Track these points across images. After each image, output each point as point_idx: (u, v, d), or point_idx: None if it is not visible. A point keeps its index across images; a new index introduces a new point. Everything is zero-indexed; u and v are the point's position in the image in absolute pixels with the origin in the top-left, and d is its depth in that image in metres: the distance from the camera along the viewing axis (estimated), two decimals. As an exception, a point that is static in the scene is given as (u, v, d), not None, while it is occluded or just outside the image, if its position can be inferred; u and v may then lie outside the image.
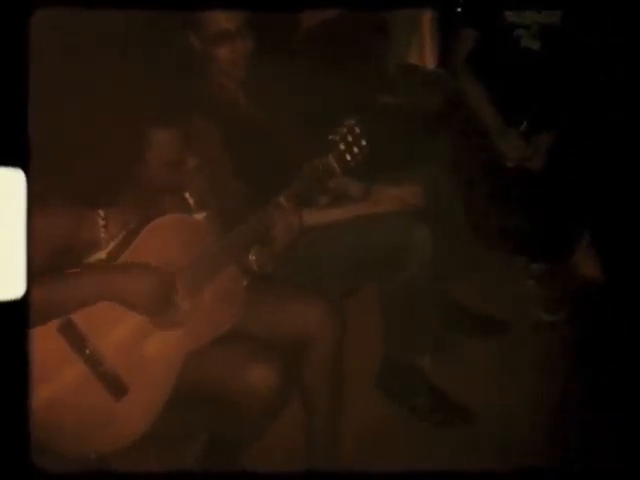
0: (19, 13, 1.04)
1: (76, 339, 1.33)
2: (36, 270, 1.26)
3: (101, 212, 1.38)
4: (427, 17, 2.61)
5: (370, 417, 1.92)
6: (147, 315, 1.38)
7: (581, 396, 1.91)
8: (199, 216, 1.49)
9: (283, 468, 1.70)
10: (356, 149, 1.47)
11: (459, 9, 2.26)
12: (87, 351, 1.34)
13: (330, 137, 1.46)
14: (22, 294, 1.02)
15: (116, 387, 1.36)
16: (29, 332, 1.07)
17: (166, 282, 1.37)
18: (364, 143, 1.46)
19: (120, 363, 1.36)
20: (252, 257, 1.51)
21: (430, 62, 2.64)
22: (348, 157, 1.47)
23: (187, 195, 1.49)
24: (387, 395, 1.99)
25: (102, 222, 1.38)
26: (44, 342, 1.29)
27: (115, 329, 1.36)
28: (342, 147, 1.46)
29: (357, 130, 1.46)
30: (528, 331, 2.23)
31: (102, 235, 1.38)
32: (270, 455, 1.71)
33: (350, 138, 1.47)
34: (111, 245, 1.38)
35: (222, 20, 1.65)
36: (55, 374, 1.32)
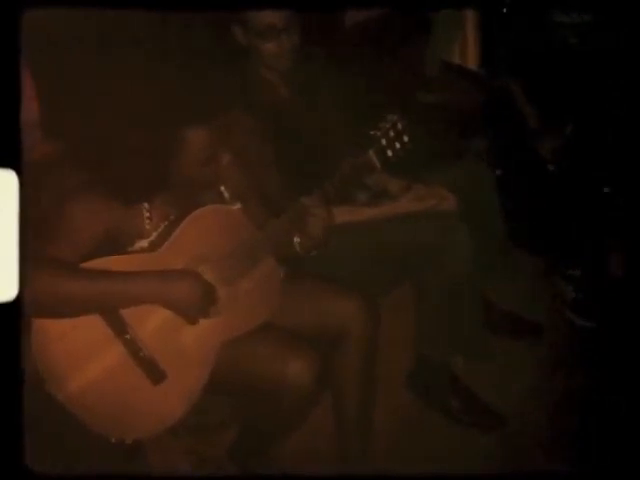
0: (10, 13, 1.04)
1: (117, 323, 1.36)
2: (76, 257, 1.31)
3: (145, 204, 1.41)
4: (470, 15, 2.59)
5: (402, 417, 1.91)
6: (187, 317, 1.40)
7: (609, 399, 1.87)
8: (235, 207, 1.51)
9: (313, 465, 1.70)
10: (398, 145, 1.45)
11: (505, 10, 2.22)
12: (127, 336, 1.36)
13: (372, 132, 1.46)
14: (14, 296, 1.03)
15: (154, 373, 1.38)
16: (22, 335, 1.08)
17: (207, 289, 1.40)
18: (406, 139, 1.45)
19: (158, 350, 1.39)
20: (297, 240, 1.51)
21: (472, 61, 2.62)
22: (389, 153, 1.46)
23: (222, 188, 1.51)
24: (419, 395, 1.98)
25: (147, 214, 1.41)
26: (87, 325, 1.33)
27: (154, 316, 1.38)
28: (383, 142, 1.45)
29: (399, 126, 1.45)
30: (562, 335, 2.20)
31: (147, 226, 1.41)
32: (300, 452, 1.71)
33: (392, 134, 1.45)
34: (154, 235, 1.41)
35: (269, 15, 1.67)
36: (96, 357, 1.35)
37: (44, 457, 1.18)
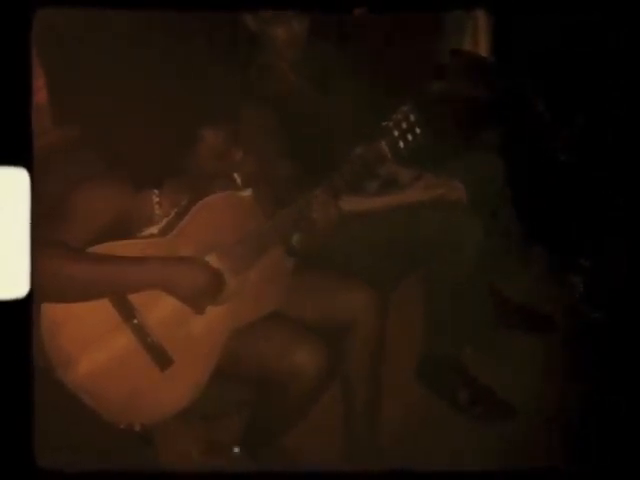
0: (22, 12, 1.04)
1: (125, 308, 1.36)
2: (84, 242, 1.32)
3: (156, 190, 1.42)
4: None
5: (410, 409, 1.91)
6: (191, 305, 1.40)
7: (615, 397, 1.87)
8: (246, 193, 1.50)
9: (320, 459, 1.70)
10: (410, 136, 1.45)
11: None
12: (135, 321, 1.36)
13: (384, 123, 1.45)
14: (25, 293, 1.03)
15: (162, 358, 1.39)
16: (32, 331, 1.08)
17: (215, 279, 1.39)
18: (418, 131, 1.45)
19: (166, 336, 1.39)
20: (296, 236, 1.51)
21: (484, 51, 2.60)
22: (401, 144, 1.45)
23: (235, 175, 1.51)
24: (428, 387, 1.98)
25: (156, 199, 1.42)
26: (95, 309, 1.33)
27: (163, 302, 1.38)
28: (396, 134, 1.45)
29: (412, 117, 1.45)
30: (573, 327, 2.19)
31: (156, 212, 1.42)
32: (307, 446, 1.71)
33: (404, 125, 1.45)
34: (164, 221, 1.42)
35: None
36: (104, 342, 1.35)
37: (52, 452, 1.18)
